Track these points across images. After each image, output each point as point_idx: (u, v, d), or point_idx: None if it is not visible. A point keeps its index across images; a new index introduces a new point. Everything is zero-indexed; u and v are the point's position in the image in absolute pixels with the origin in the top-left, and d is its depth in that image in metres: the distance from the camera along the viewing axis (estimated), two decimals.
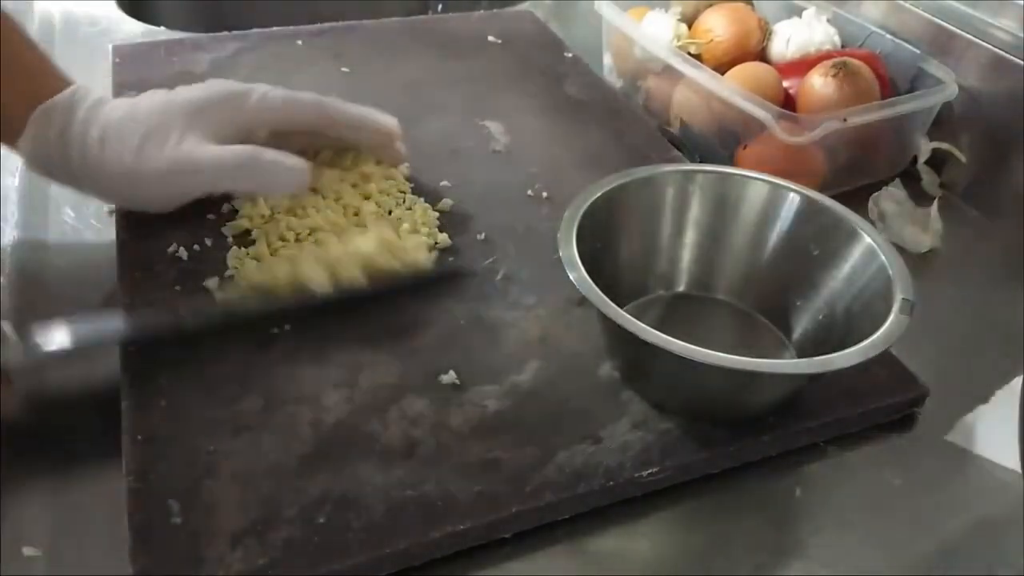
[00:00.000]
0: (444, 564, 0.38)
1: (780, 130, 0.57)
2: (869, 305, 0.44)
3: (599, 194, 0.47)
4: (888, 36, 0.68)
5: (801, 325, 0.48)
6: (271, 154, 0.51)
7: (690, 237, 0.51)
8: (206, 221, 0.54)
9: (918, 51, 0.66)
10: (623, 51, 0.73)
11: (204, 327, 0.46)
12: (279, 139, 0.54)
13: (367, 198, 0.55)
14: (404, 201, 0.56)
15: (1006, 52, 0.63)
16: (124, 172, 0.49)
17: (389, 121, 0.57)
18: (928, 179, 0.67)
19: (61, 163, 0.49)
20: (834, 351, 0.40)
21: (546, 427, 0.43)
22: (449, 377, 0.45)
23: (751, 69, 0.64)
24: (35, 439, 0.42)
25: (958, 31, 0.66)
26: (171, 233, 0.52)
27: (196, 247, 0.51)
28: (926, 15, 0.68)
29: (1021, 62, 0.62)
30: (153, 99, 0.51)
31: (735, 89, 0.60)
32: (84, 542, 0.38)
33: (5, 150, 0.55)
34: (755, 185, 0.50)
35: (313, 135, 0.56)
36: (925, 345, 0.48)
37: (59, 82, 0.51)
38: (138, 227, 0.53)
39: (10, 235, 0.54)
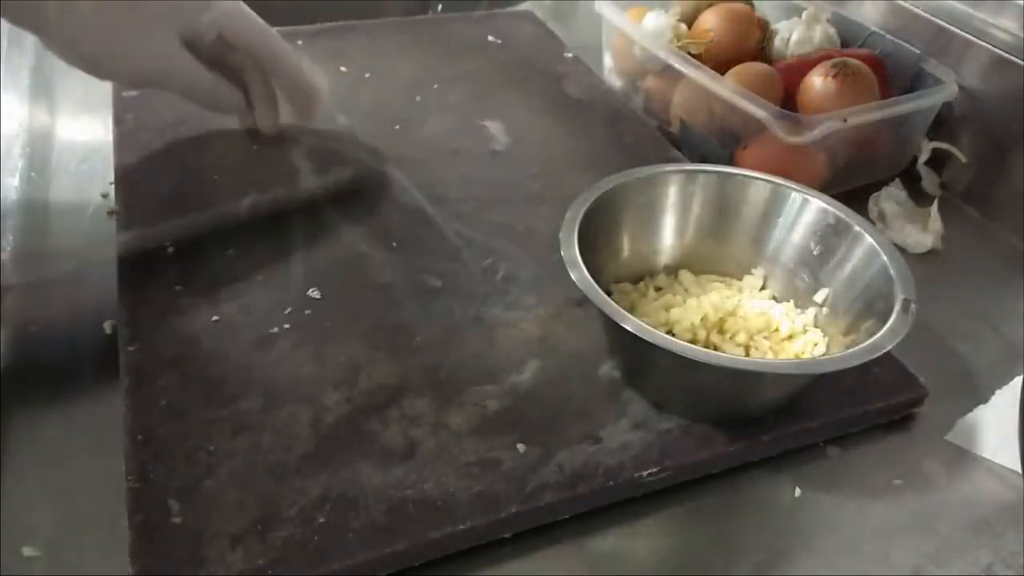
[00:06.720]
0: (444, 564, 0.38)
1: (780, 130, 0.57)
2: (871, 305, 0.44)
3: (600, 194, 0.47)
4: (888, 36, 0.68)
5: None
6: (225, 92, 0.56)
7: (691, 237, 0.51)
8: (206, 221, 0.54)
9: (918, 51, 0.66)
10: (623, 51, 0.73)
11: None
12: (221, 49, 0.55)
13: None
14: None
15: (1006, 52, 0.63)
16: (98, 50, 0.50)
17: (319, 83, 0.58)
18: (928, 179, 0.67)
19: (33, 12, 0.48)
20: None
21: (546, 427, 0.42)
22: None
23: (751, 69, 0.64)
24: (34, 436, 0.42)
25: (958, 31, 0.66)
26: (171, 233, 0.52)
27: (197, 247, 0.51)
28: (926, 15, 0.68)
29: (1021, 62, 0.62)
30: None
31: (735, 89, 0.60)
32: (84, 542, 0.38)
33: (5, 150, 0.55)
34: (756, 185, 0.50)
35: (251, 62, 0.57)
36: (925, 345, 0.47)
37: None
38: (138, 227, 0.53)
39: (10, 237, 0.54)
